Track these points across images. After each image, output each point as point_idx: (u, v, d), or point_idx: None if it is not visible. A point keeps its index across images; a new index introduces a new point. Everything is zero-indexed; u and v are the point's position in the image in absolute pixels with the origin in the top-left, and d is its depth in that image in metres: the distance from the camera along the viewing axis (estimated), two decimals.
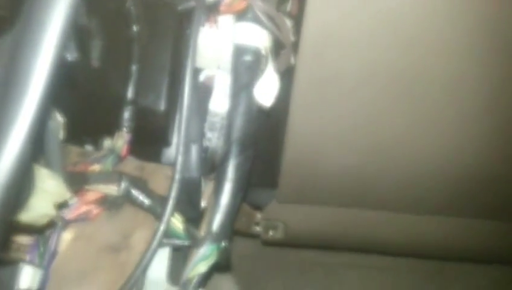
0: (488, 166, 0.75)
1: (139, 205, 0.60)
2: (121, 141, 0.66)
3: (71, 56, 0.47)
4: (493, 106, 0.70)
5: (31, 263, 0.54)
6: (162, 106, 0.66)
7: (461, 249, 0.90)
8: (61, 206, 0.52)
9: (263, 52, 0.60)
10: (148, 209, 0.60)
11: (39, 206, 0.45)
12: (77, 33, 0.49)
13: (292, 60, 0.67)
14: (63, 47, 0.30)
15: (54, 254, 0.57)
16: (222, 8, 0.60)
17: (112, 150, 0.66)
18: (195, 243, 0.57)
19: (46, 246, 0.57)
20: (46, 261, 0.56)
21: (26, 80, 0.29)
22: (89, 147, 0.69)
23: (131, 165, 0.67)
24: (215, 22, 0.61)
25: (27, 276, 0.54)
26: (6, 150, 0.29)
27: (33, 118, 0.29)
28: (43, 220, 0.48)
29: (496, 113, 0.70)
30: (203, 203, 0.65)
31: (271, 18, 0.60)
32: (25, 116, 0.29)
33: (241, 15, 0.60)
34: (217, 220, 0.57)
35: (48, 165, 0.52)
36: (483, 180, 0.76)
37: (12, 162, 0.30)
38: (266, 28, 0.60)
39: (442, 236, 0.87)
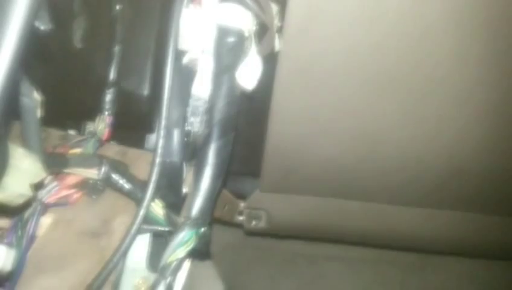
0: (471, 159, 0.75)
1: (119, 190, 0.59)
2: (102, 124, 0.65)
3: (44, 26, 0.46)
4: (477, 97, 0.70)
5: (6, 244, 0.53)
6: (145, 90, 0.65)
7: (443, 242, 0.90)
8: (38, 186, 0.51)
9: (246, 34, 0.59)
10: (128, 194, 0.59)
11: (14, 186, 0.45)
12: (53, 5, 0.48)
13: (277, 45, 0.66)
14: (33, 15, 0.29)
15: (32, 238, 0.56)
16: None
17: (93, 134, 0.65)
18: (175, 229, 0.57)
19: (24, 230, 0.56)
20: (23, 244, 0.56)
21: None
22: (72, 131, 0.69)
23: (114, 149, 0.67)
24: (199, 2, 0.60)
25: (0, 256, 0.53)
26: None
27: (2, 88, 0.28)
28: (19, 200, 0.47)
29: (478, 105, 0.70)
30: (184, 189, 0.64)
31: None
32: None
33: None
34: (197, 205, 0.57)
35: (26, 144, 0.51)
36: (465, 172, 0.76)
37: None
38: (250, 9, 0.59)
39: (424, 228, 0.87)
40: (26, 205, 0.52)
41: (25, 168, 0.46)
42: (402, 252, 1.06)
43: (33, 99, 0.50)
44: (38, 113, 0.52)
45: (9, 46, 0.28)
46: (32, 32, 0.30)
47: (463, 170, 0.76)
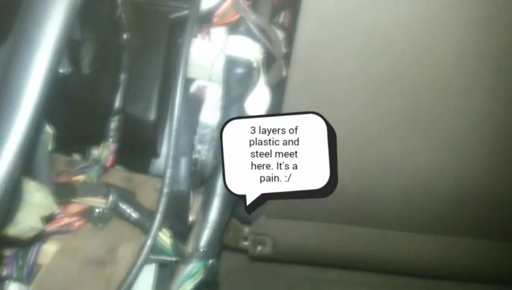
0: (478, 185, 0.75)
1: (127, 219, 0.59)
2: (106, 151, 0.65)
3: (64, 70, 0.46)
4: (484, 123, 0.70)
5: (17, 279, 0.53)
6: (151, 115, 0.65)
7: (449, 268, 0.89)
8: (48, 219, 0.51)
9: (255, 64, 0.59)
10: (135, 223, 0.59)
11: (26, 220, 0.45)
12: (70, 47, 0.48)
13: (284, 72, 0.67)
14: (56, 64, 0.29)
15: (33, 267, 0.56)
16: (215, 20, 0.59)
17: (97, 161, 0.65)
18: (182, 259, 0.57)
19: (25, 259, 0.56)
20: (25, 274, 0.55)
21: (18, 96, 0.28)
22: (76, 156, 0.68)
23: (119, 176, 0.66)
24: (208, 33, 0.61)
25: None
26: None
27: (24, 135, 0.29)
28: (30, 234, 0.47)
29: (486, 131, 0.70)
30: (191, 217, 0.64)
31: (263, 31, 0.59)
32: (16, 133, 0.29)
33: (233, 27, 0.60)
34: (205, 237, 0.57)
35: (36, 176, 0.51)
36: (473, 198, 0.76)
37: (1, 181, 0.29)
38: (258, 41, 0.59)
39: (431, 254, 0.86)
40: (37, 237, 0.52)
41: (37, 202, 0.46)
42: (409, 277, 1.05)
43: (46, 132, 0.50)
44: (50, 146, 0.52)
45: (33, 95, 0.28)
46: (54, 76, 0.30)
47: (471, 196, 0.76)
